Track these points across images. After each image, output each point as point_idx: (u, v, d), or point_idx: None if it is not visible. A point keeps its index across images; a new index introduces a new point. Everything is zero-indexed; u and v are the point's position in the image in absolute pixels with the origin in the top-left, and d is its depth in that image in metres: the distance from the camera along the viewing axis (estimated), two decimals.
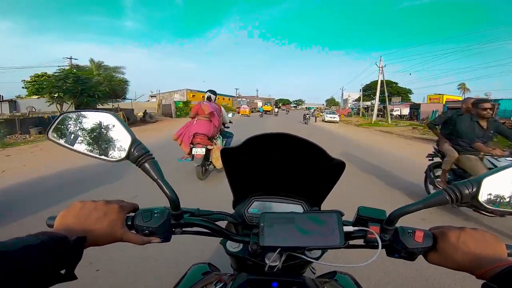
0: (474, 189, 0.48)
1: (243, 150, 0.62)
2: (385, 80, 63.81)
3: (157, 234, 0.53)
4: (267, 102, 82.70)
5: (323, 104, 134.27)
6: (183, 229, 0.57)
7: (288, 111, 66.96)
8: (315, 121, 25.64)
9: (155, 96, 41.44)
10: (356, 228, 0.55)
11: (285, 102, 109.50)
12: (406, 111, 38.75)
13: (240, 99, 54.92)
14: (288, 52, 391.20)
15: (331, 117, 26.58)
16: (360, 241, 0.56)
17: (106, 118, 0.54)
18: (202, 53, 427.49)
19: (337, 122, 26.30)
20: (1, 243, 0.34)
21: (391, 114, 40.43)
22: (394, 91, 66.57)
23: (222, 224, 0.65)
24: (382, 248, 0.52)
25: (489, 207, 0.49)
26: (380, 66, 25.78)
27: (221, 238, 0.64)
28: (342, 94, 61.05)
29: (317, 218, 0.54)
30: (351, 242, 0.57)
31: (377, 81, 49.83)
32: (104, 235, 0.48)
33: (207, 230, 0.59)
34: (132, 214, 0.54)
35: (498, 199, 0.49)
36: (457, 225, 0.52)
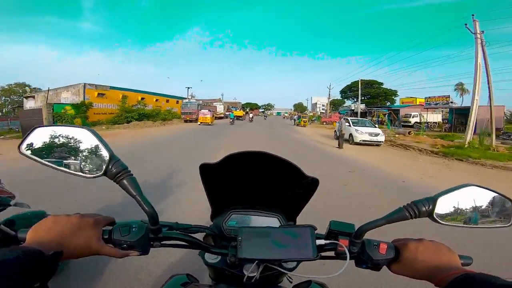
0: (430, 207, 0.53)
1: (221, 166, 0.65)
2: (368, 80, 53.45)
3: (135, 248, 0.53)
4: (232, 106, 68.00)
5: (291, 109, 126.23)
6: (162, 242, 0.57)
7: (267, 116, 54.33)
8: (341, 146, 11.35)
9: (33, 96, 23.62)
10: (328, 241, 0.58)
11: (253, 107, 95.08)
12: (433, 117, 27.47)
13: (187, 100, 33.13)
14: (255, 57, 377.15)
15: (370, 135, 12.37)
16: (332, 253, 0.59)
17: (82, 134, 0.52)
18: (165, 58, 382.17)
19: (380, 144, 12.57)
20: None
21: (405, 123, 28.71)
22: (379, 92, 55.48)
23: (200, 235, 0.66)
24: (350, 259, 0.56)
25: (443, 222, 0.54)
26: (477, 32, 12.12)
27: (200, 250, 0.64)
28: (329, 95, 48.46)
29: (292, 232, 0.57)
30: (324, 254, 0.60)
31: (358, 81, 37.22)
32: (79, 248, 0.48)
33: (185, 243, 0.60)
34: (109, 227, 0.54)
35: (451, 216, 0.54)
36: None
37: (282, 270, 0.58)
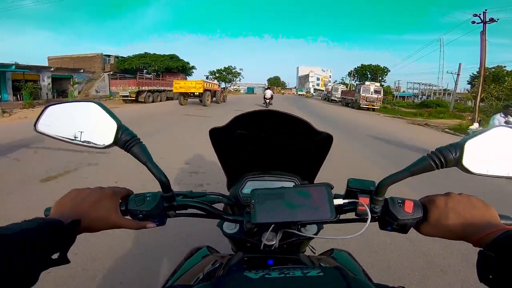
0: (457, 153, 0.47)
1: (230, 129, 0.64)
2: None
3: (151, 218, 0.54)
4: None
5: (265, 84, 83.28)
6: (177, 211, 0.57)
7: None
8: None
9: None
10: (346, 200, 0.54)
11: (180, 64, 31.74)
12: None
13: None
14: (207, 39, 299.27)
15: None
16: (352, 215, 0.55)
17: (90, 107, 0.55)
18: (121, 37, 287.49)
19: None
20: (0, 227, 0.35)
21: None
22: None
23: (218, 207, 0.64)
24: (374, 221, 0.52)
25: (474, 171, 0.47)
26: None
27: (218, 221, 0.63)
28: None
29: (305, 192, 0.53)
30: (343, 216, 0.57)
31: None
32: (99, 220, 0.49)
33: (201, 212, 0.59)
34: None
35: (482, 163, 0.47)
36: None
37: (299, 233, 0.55)
